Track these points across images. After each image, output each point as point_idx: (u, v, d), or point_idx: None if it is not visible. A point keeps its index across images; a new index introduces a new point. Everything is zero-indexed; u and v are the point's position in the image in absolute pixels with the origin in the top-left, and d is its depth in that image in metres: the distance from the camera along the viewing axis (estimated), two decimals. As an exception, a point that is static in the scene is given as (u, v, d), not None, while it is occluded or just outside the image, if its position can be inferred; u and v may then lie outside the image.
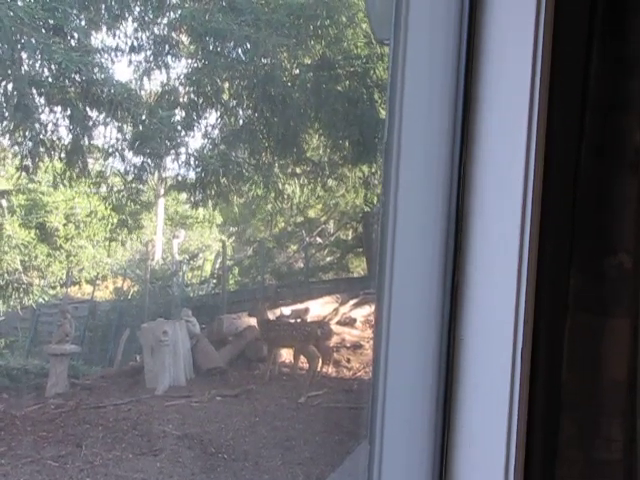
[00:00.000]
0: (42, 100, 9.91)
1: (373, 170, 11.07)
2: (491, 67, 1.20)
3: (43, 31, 9.31)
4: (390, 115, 1.28)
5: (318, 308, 11.47)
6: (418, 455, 1.26)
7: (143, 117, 9.87)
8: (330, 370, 9.88)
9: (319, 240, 16.23)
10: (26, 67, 9.61)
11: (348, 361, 10.19)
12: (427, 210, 1.25)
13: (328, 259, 16.56)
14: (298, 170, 11.44)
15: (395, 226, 1.26)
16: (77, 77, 9.58)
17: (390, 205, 1.26)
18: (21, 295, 10.80)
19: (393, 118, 1.27)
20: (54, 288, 14.03)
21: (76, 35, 9.72)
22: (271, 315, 10.52)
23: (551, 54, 1.12)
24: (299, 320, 10.61)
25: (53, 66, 9.47)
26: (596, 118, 1.10)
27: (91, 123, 10.14)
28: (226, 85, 10.53)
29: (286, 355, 10.13)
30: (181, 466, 6.68)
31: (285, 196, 11.54)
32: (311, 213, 15.35)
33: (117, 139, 10.55)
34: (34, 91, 9.57)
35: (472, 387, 1.20)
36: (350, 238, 16.25)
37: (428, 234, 1.25)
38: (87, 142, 10.57)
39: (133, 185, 11.90)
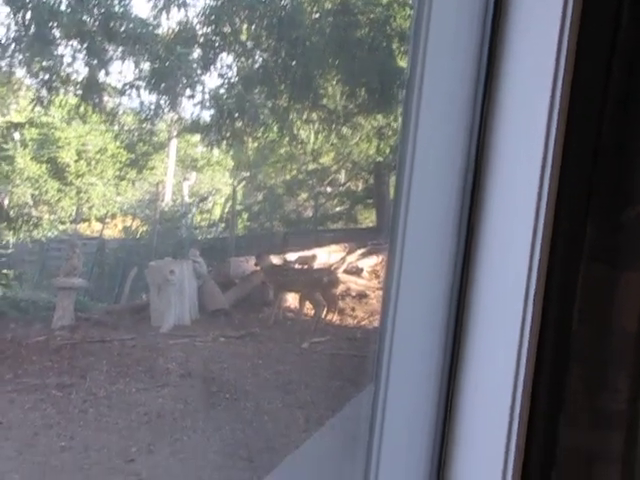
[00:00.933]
0: (59, 32, 9.82)
1: (388, 120, 10.97)
2: (519, 13, 1.19)
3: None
4: (412, 62, 1.27)
5: (325, 256, 11.49)
6: (423, 400, 1.27)
7: (160, 53, 9.77)
8: (334, 318, 9.94)
9: (329, 189, 16.18)
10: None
11: (353, 310, 10.24)
12: (445, 159, 1.24)
13: (337, 209, 16.52)
14: (314, 116, 11.35)
15: (411, 175, 1.25)
16: (95, 10, 9.47)
17: (407, 154, 1.26)
18: (31, 228, 10.86)
19: (415, 66, 1.25)
20: (63, 223, 14.09)
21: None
22: (278, 260, 10.55)
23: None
24: (306, 266, 10.65)
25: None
26: (623, 66, 1.09)
27: (108, 57, 10.06)
28: (245, 26, 10.40)
29: (291, 300, 10.19)
30: (183, 402, 6.78)
31: (299, 141, 11.48)
32: (323, 161, 15.28)
33: (133, 75, 10.49)
34: (52, 22, 9.48)
35: (481, 332, 1.21)
36: (360, 189, 16.19)
37: (444, 183, 1.24)
38: (103, 77, 10.50)
39: (145, 125, 11.86)
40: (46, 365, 7.52)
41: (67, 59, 10.22)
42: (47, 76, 10.21)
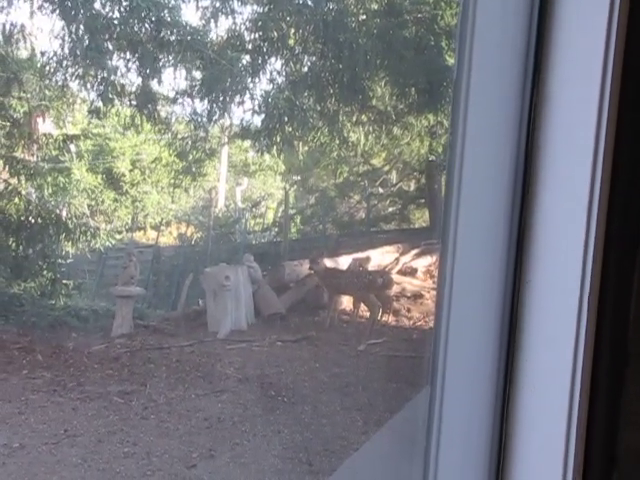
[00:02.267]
0: (112, 43, 9.99)
1: (439, 119, 10.91)
2: (566, 5, 1.17)
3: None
4: (459, 60, 1.26)
5: (379, 257, 11.47)
6: (480, 401, 1.26)
7: (211, 59, 9.87)
8: (390, 319, 9.92)
9: (381, 190, 16.15)
10: (97, 6, 9.68)
11: (408, 311, 10.20)
12: (495, 156, 1.23)
13: (390, 209, 16.49)
14: (363, 117, 11.35)
15: (461, 173, 1.24)
16: (147, 19, 9.62)
17: (457, 152, 1.25)
18: (88, 239, 11.05)
19: (462, 63, 1.25)
20: (120, 233, 14.35)
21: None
22: (332, 263, 10.57)
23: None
24: (360, 269, 10.64)
25: (123, 6, 9.53)
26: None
27: (160, 66, 10.20)
28: (292, 31, 10.45)
29: (346, 303, 10.20)
30: (242, 407, 6.83)
31: (349, 143, 11.48)
32: (374, 162, 15.27)
33: (185, 81, 10.62)
34: (105, 34, 9.65)
35: (537, 331, 1.19)
36: (413, 189, 16.14)
37: (495, 180, 1.23)
38: (156, 86, 10.66)
39: (197, 132, 12.00)
40: (107, 373, 7.66)
41: (121, 70, 10.41)
42: (101, 88, 10.40)
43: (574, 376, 1.11)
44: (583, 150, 1.11)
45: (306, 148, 12.30)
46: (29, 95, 11.25)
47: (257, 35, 10.42)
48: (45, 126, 11.92)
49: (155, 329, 9.44)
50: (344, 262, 10.83)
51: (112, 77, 10.38)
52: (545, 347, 1.18)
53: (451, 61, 9.56)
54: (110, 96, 10.50)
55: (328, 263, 10.51)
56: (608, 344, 1.12)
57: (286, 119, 10.49)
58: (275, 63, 10.81)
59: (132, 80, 10.63)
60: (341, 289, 9.95)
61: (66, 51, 10.17)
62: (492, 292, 1.23)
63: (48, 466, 5.49)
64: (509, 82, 1.21)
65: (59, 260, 11.74)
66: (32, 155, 11.40)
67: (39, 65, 10.94)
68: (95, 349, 8.43)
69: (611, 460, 1.13)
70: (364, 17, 10.28)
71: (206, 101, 10.75)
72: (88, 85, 10.56)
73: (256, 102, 10.65)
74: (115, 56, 10.23)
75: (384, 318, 9.85)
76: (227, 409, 6.76)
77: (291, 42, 10.60)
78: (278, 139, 11.01)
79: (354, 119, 11.35)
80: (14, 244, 10.56)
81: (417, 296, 10.58)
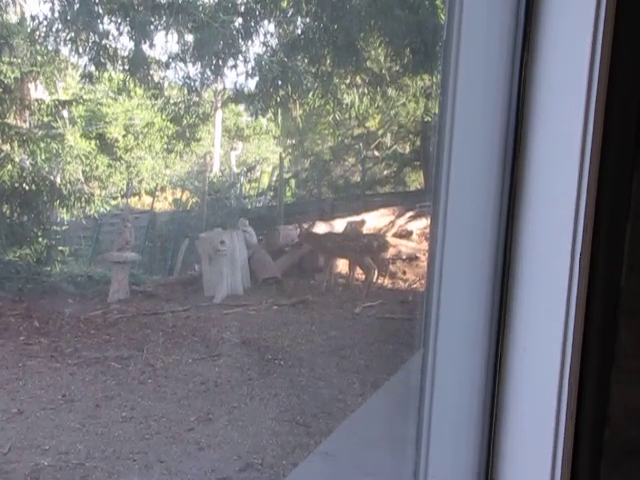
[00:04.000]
0: (103, 7, 9.88)
1: (435, 79, 10.82)
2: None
3: None
4: (449, 18, 1.24)
5: (374, 220, 11.47)
6: (472, 362, 1.27)
7: (203, 21, 9.77)
8: (386, 282, 9.95)
9: (376, 153, 16.09)
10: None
11: (404, 273, 10.24)
12: (486, 116, 1.22)
13: (385, 172, 16.45)
14: (358, 79, 11.26)
15: (452, 134, 1.23)
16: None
17: (447, 113, 1.24)
18: (83, 205, 11.02)
19: (452, 22, 1.23)
20: (115, 199, 14.33)
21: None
22: (327, 226, 10.57)
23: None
24: (355, 232, 10.65)
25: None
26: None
27: (152, 28, 10.09)
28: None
29: (342, 266, 10.22)
30: (239, 371, 6.88)
31: (344, 106, 11.41)
32: (369, 125, 15.19)
33: (178, 45, 10.52)
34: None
35: (528, 291, 1.19)
36: (408, 151, 16.08)
37: (486, 140, 1.22)
38: (148, 49, 10.55)
39: (190, 96, 11.92)
40: (104, 338, 7.70)
41: (112, 34, 10.30)
42: (93, 52, 10.31)
43: (566, 333, 1.11)
44: (575, 108, 1.10)
45: (300, 111, 12.22)
46: (20, 60, 11.14)
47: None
48: (37, 92, 11.83)
49: (151, 294, 9.46)
50: (339, 225, 10.83)
51: (103, 41, 10.28)
52: (536, 306, 1.18)
53: (445, 20, 9.45)
54: (102, 60, 10.41)
55: (323, 226, 10.52)
56: (600, 302, 1.12)
57: (280, 82, 10.41)
58: (268, 25, 10.71)
59: (124, 44, 10.53)
60: (336, 252, 9.96)
61: (56, 15, 10.06)
62: (483, 253, 1.23)
63: (46, 431, 5.53)
64: (499, 40, 1.19)
65: (54, 227, 11.73)
66: (24, 121, 11.33)
67: (29, 30, 10.82)
68: (91, 315, 8.45)
69: (603, 416, 1.14)
70: (357, -23, 10.16)
71: (199, 65, 10.67)
72: (80, 50, 10.45)
73: (249, 65, 10.57)
74: (106, 20, 10.11)
75: (380, 281, 9.88)
76: (224, 373, 6.80)
77: (284, 4, 10.48)
78: (272, 102, 10.95)
79: (348, 81, 11.26)
80: (8, 211, 10.52)
81: (412, 258, 10.60)
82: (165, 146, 14.79)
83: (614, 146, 1.09)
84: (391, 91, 11.59)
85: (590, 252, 1.10)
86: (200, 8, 10.09)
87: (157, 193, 15.26)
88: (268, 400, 6.25)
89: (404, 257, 10.60)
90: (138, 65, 10.62)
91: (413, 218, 11.67)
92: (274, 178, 15.93)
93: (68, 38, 10.26)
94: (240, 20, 10.41)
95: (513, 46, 1.19)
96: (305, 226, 10.54)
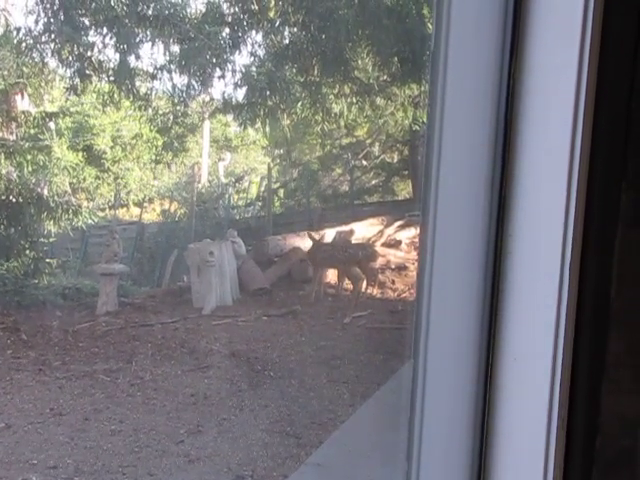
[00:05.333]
0: (88, 19, 9.87)
1: (423, 88, 10.86)
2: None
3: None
4: (437, 28, 1.24)
5: (363, 230, 11.49)
6: (463, 372, 1.26)
7: (189, 33, 9.78)
8: (375, 291, 9.95)
9: (365, 163, 16.14)
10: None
11: (393, 282, 10.25)
12: (474, 126, 1.22)
13: (373, 182, 16.50)
14: (346, 89, 11.28)
15: (441, 144, 1.23)
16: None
17: (435, 122, 1.24)
18: (71, 217, 10.98)
19: (440, 31, 1.23)
20: (103, 210, 14.30)
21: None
22: (316, 236, 10.58)
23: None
24: (344, 242, 10.66)
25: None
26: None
27: (138, 41, 10.09)
28: (272, 2, 10.36)
29: (331, 276, 10.22)
30: (228, 382, 6.86)
31: (332, 116, 11.43)
32: (358, 134, 15.24)
33: (164, 56, 10.52)
34: (80, 9, 9.53)
35: (518, 301, 1.19)
36: (396, 161, 16.13)
37: (475, 150, 1.22)
38: (134, 61, 10.55)
39: (178, 107, 11.92)
40: (93, 351, 7.67)
41: (98, 46, 10.29)
42: (79, 64, 10.29)
43: (556, 343, 1.11)
44: (563, 117, 1.10)
45: (289, 121, 12.24)
46: (6, 72, 11.11)
47: (236, 8, 10.32)
48: (23, 104, 11.79)
49: (140, 306, 9.43)
50: (328, 235, 10.84)
51: (89, 53, 10.27)
52: (527, 316, 1.18)
53: (433, 30, 9.48)
54: (87, 72, 10.39)
55: (312, 237, 10.53)
56: (590, 311, 1.12)
57: (268, 92, 10.42)
58: (255, 36, 10.73)
59: (110, 56, 10.52)
60: (325, 263, 9.96)
61: (41, 27, 10.04)
62: (473, 264, 1.23)
63: (35, 445, 5.49)
64: (487, 49, 1.19)
65: (42, 239, 11.67)
66: (11, 134, 11.29)
67: (15, 41, 10.79)
68: (80, 327, 8.42)
69: (594, 426, 1.14)
70: (344, -14, 10.19)
71: (186, 76, 10.67)
72: (65, 61, 10.44)
73: (237, 76, 10.58)
74: (92, 32, 10.10)
75: (369, 290, 9.88)
76: (213, 385, 6.79)
77: (271, 14, 10.50)
78: (260, 112, 10.96)
79: (337, 91, 11.29)
80: (-5, 224, 10.48)
81: (401, 268, 10.62)
82: (153, 157, 14.78)
83: (602, 157, 1.09)
84: (379, 100, 11.62)
85: (579, 262, 1.10)
86: (186, 20, 10.10)
87: (145, 204, 15.23)
88: (258, 411, 6.24)
89: (393, 267, 10.62)
90: (124, 76, 10.61)
91: (402, 227, 11.69)
92: (262, 188, 15.94)
93: (54, 49, 10.24)
94: (227, 30, 10.43)
95: (501, 55, 1.19)
96: (294, 236, 10.54)
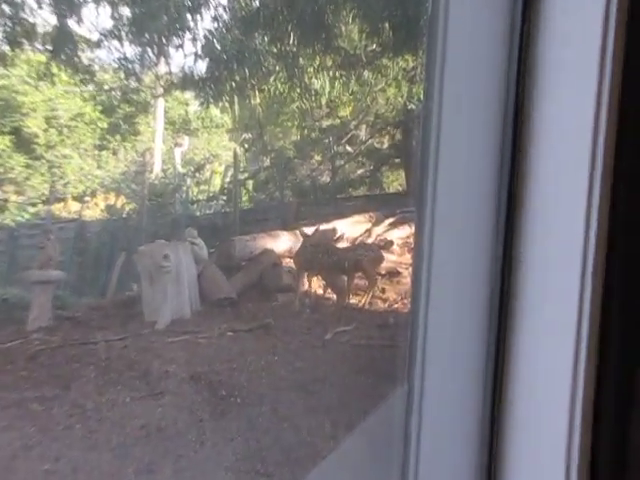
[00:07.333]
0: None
1: (420, 59, 10.90)
2: None
3: None
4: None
5: (347, 229, 11.53)
6: (465, 402, 1.26)
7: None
8: (362, 301, 9.98)
9: (349, 149, 16.19)
10: None
11: (383, 291, 10.27)
12: (479, 104, 1.21)
13: (359, 172, 16.56)
14: (328, 61, 11.31)
15: (440, 126, 1.22)
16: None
17: (434, 100, 1.23)
18: (-4, 213, 10.96)
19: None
20: (35, 205, 14.23)
21: None
22: (292, 237, 10.57)
23: None
24: (325, 243, 10.67)
25: None
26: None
27: (80, 2, 10.06)
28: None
29: (310, 284, 10.24)
30: (187, 411, 6.85)
31: (311, 92, 11.45)
32: (341, 114, 15.27)
33: (111, 20, 10.49)
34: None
35: (531, 315, 1.18)
36: (386, 147, 16.18)
37: (480, 134, 1.21)
38: (75, 25, 10.52)
39: (127, 82, 11.90)
40: (22, 375, 7.62)
41: (31, 6, 10.25)
42: (7, 28, 10.23)
43: (576, 372, 1.10)
44: (586, 91, 1.09)
45: (260, 99, 12.25)
46: None
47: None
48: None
49: (80, 321, 9.42)
50: (305, 234, 10.84)
51: (20, 14, 10.21)
52: (542, 339, 1.17)
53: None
54: (18, 39, 10.34)
55: (287, 237, 10.53)
56: (616, 335, 1.11)
57: (235, 64, 10.42)
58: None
59: (45, 19, 10.47)
60: (303, 268, 9.97)
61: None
62: (478, 269, 1.22)
63: (-49, 490, 5.47)
64: (494, 11, 1.19)
65: (-39, 239, 11.62)
66: None
67: None
68: (7, 346, 8.39)
69: (622, 460, 1.14)
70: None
71: (137, 44, 10.64)
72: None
73: (199, 44, 10.56)
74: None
75: (353, 300, 9.91)
76: (168, 414, 6.77)
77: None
78: (226, 88, 10.95)
79: (317, 63, 11.31)
80: None
81: (393, 274, 10.65)
82: (96, 142, 14.75)
83: (628, 148, 1.08)
84: (367, 74, 11.66)
85: (604, 270, 1.09)
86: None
87: (86, 198, 15.19)
88: (222, 446, 6.23)
89: (383, 272, 10.64)
90: (63, 44, 10.56)
91: (393, 226, 11.74)
92: (227, 179, 15.96)
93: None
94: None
95: (511, 19, 1.19)
96: (265, 236, 10.54)
